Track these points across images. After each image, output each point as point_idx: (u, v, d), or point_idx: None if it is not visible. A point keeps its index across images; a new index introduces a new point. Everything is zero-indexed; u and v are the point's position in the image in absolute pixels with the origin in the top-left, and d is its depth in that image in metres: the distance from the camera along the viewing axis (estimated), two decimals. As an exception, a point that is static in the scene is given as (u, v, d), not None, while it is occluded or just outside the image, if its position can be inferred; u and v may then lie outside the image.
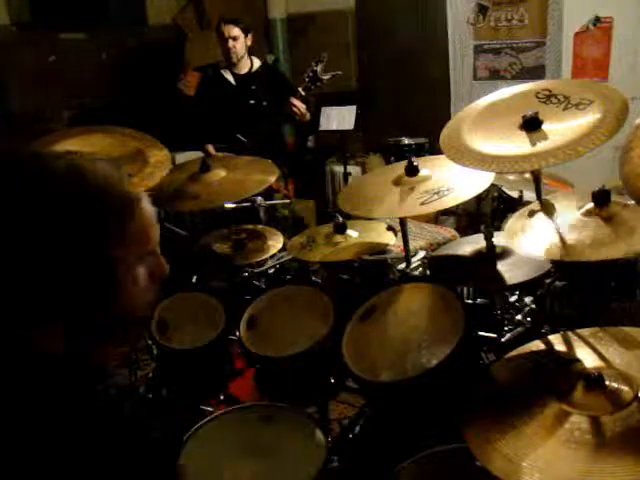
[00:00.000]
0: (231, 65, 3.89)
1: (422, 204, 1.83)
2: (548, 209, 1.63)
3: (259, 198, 2.60)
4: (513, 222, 1.69)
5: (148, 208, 0.93)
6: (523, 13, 4.07)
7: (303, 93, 3.60)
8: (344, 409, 2.30)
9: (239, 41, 3.81)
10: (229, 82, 3.91)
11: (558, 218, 1.58)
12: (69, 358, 0.87)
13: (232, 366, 2.11)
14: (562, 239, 1.48)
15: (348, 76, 4.99)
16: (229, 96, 3.86)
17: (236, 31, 3.77)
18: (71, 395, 0.84)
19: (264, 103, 3.87)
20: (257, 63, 3.97)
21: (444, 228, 3.13)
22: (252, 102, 3.86)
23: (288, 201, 3.62)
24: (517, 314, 1.98)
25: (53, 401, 0.81)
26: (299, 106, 3.62)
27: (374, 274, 2.30)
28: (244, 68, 3.93)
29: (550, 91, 1.65)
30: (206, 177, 2.38)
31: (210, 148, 3.79)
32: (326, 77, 3.52)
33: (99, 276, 0.85)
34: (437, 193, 1.85)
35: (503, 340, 1.89)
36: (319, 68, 3.50)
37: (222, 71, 3.91)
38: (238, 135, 3.78)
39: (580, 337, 1.39)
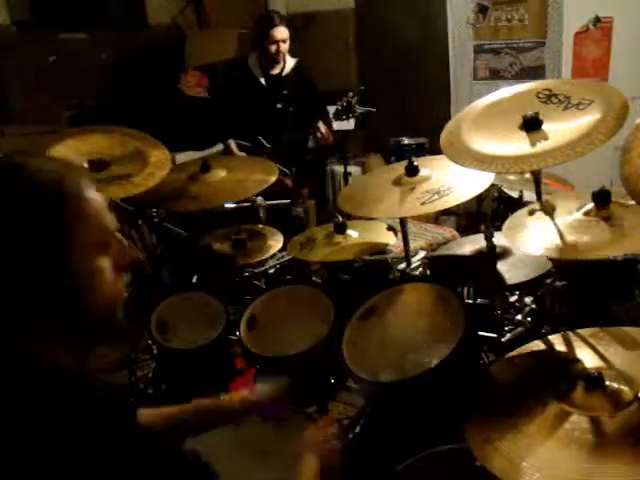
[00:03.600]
0: (264, 65, 3.68)
1: (422, 204, 1.83)
2: (548, 209, 1.63)
3: (259, 198, 2.60)
4: (512, 219, 1.70)
5: (94, 197, 0.88)
6: (523, 13, 4.07)
7: (334, 121, 3.41)
8: (344, 409, 2.30)
9: (287, 43, 3.61)
10: (259, 82, 3.70)
11: (558, 217, 1.59)
12: (58, 367, 0.84)
13: (232, 366, 2.11)
14: (561, 238, 1.48)
15: (348, 76, 5.00)
16: (257, 96, 3.67)
17: (286, 33, 3.58)
18: (72, 405, 0.81)
19: (290, 109, 3.68)
20: (290, 64, 3.72)
21: (444, 228, 3.14)
22: (279, 106, 3.66)
23: (288, 201, 3.60)
24: (517, 314, 1.98)
25: (54, 414, 0.79)
26: (325, 133, 3.56)
27: (374, 274, 2.30)
28: (277, 68, 3.71)
29: (550, 91, 1.65)
30: (206, 177, 2.38)
31: (233, 145, 3.63)
32: (360, 110, 3.29)
33: (57, 279, 0.82)
34: (437, 193, 1.85)
35: (503, 340, 1.89)
36: (354, 100, 3.26)
37: (253, 69, 3.69)
38: (260, 138, 3.61)
39: (580, 337, 1.39)
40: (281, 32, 3.56)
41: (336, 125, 4.12)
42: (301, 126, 3.67)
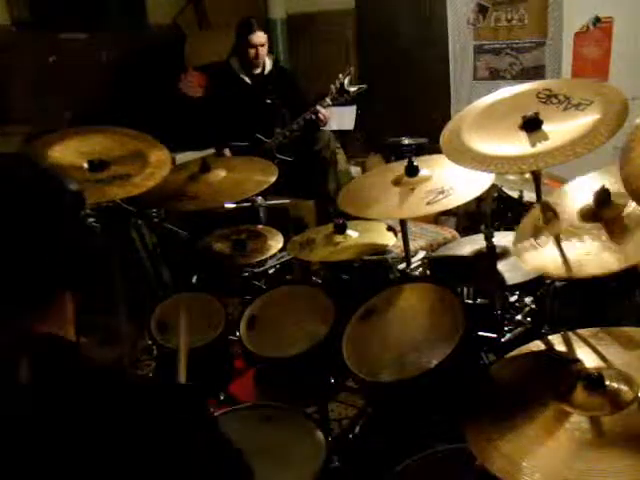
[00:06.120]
0: (246, 66, 3.88)
1: (428, 204, 1.83)
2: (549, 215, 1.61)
3: (259, 198, 2.60)
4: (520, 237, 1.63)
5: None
6: (523, 13, 4.07)
7: (330, 103, 3.66)
8: (344, 409, 2.30)
9: (266, 47, 3.85)
10: (245, 81, 3.89)
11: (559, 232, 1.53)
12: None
13: (232, 366, 2.11)
14: (565, 258, 1.44)
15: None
16: (245, 95, 3.85)
17: (264, 37, 3.82)
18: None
19: (278, 102, 3.89)
20: (269, 64, 3.95)
21: (444, 228, 3.13)
22: (269, 101, 3.87)
23: (288, 201, 3.61)
24: (517, 314, 1.98)
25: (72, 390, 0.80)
26: (326, 115, 3.72)
27: (374, 274, 2.30)
28: (258, 68, 3.91)
29: (550, 91, 1.65)
30: (206, 177, 2.37)
31: (228, 154, 3.80)
32: (353, 89, 3.60)
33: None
34: (442, 192, 1.85)
35: (503, 340, 1.89)
36: (346, 81, 3.56)
37: (236, 70, 3.89)
38: (258, 135, 3.80)
39: (580, 337, 1.39)
40: (259, 37, 3.80)
41: (336, 125, 4.15)
42: (292, 117, 3.83)
